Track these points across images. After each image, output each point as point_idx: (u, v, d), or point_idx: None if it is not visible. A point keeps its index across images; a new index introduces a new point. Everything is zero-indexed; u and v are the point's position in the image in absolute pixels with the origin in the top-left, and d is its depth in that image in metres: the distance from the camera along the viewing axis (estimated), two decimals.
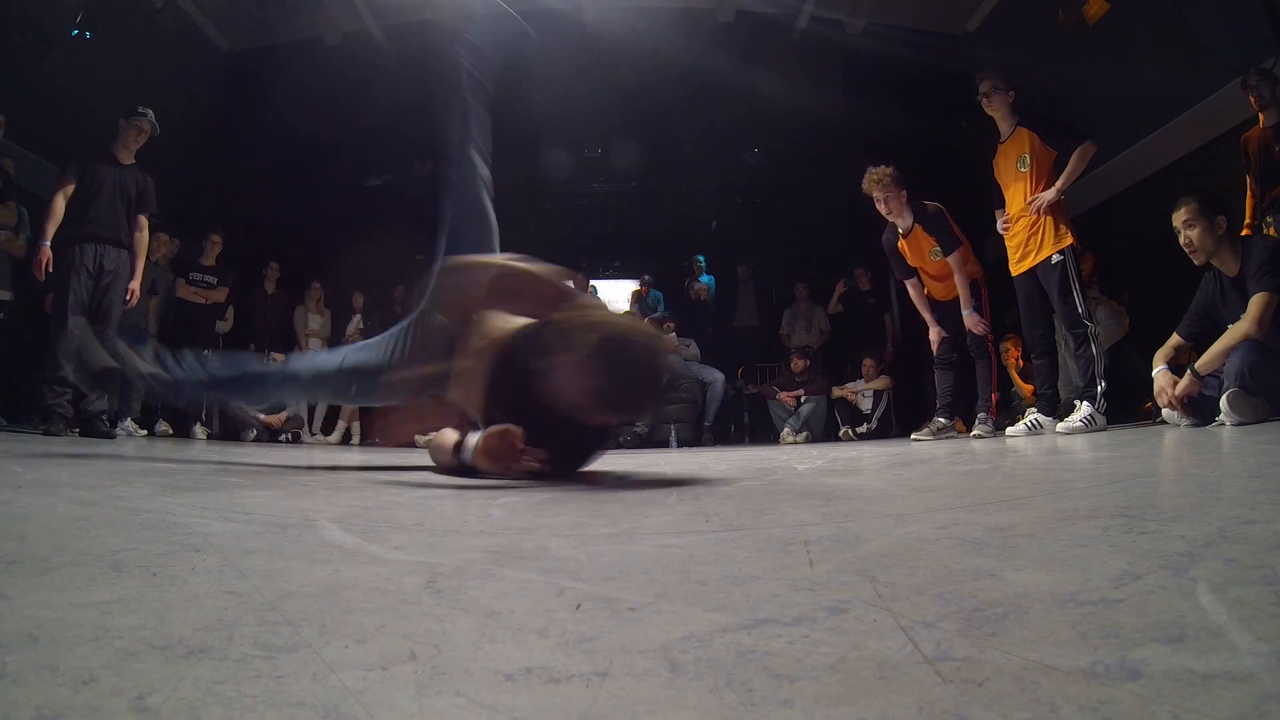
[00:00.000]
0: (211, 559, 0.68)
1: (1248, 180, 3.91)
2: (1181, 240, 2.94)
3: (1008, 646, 0.41)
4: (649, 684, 0.38)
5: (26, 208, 4.49)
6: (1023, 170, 3.65)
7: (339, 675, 0.39)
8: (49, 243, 3.71)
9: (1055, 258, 3.51)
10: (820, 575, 0.60)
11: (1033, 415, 3.65)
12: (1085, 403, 3.41)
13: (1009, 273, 3.83)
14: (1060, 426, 3.42)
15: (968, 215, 4.22)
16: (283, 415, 5.90)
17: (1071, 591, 0.51)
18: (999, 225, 3.83)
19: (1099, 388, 3.41)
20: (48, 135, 5.11)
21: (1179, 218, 2.93)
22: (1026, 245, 3.66)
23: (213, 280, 5.72)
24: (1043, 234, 3.57)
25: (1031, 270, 3.65)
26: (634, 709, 0.35)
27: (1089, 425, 3.32)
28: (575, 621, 0.49)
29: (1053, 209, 3.54)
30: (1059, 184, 3.52)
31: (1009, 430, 3.75)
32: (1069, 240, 3.51)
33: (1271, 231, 3.70)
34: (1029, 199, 3.59)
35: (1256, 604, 0.46)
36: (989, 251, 4.60)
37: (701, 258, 7.92)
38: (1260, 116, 3.90)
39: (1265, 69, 3.93)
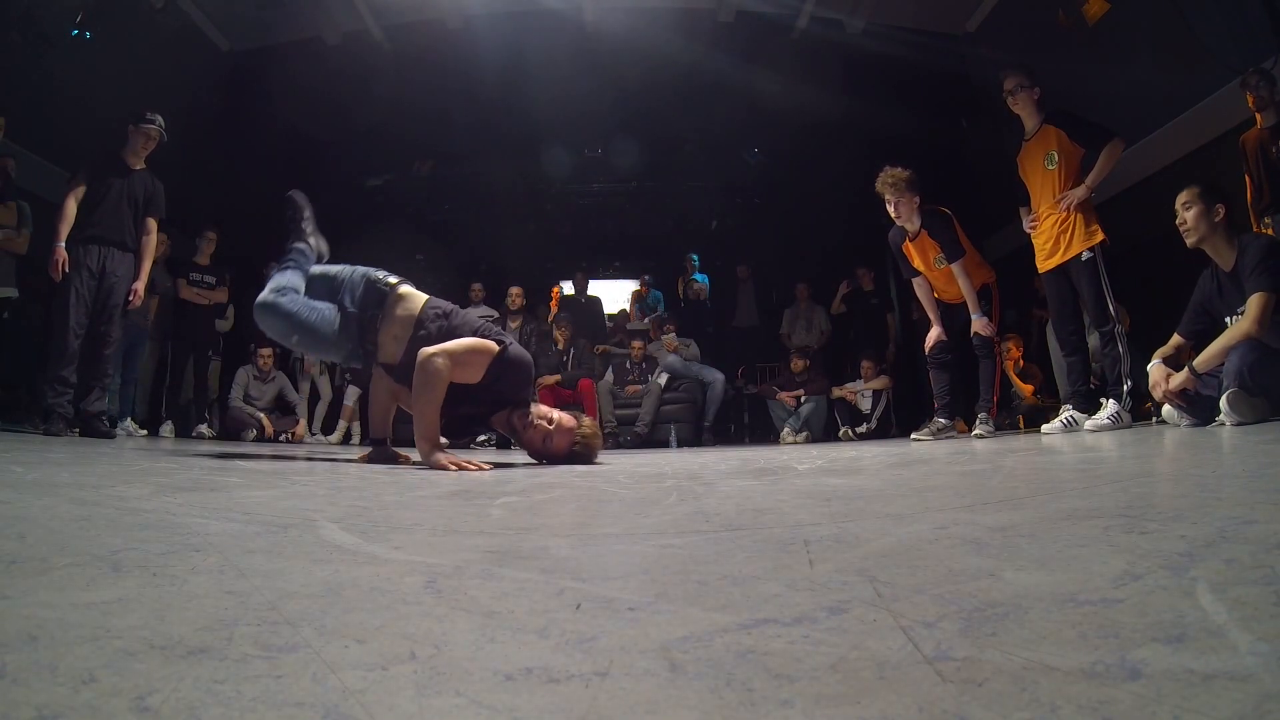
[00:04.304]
0: (211, 559, 0.68)
1: (1246, 181, 3.91)
2: (1178, 220, 3.00)
3: (1008, 646, 0.41)
4: (649, 684, 0.38)
5: (28, 203, 4.49)
6: (1050, 168, 3.62)
7: (339, 675, 0.39)
8: (63, 243, 3.74)
9: (1086, 254, 3.48)
10: (820, 575, 0.60)
11: (1068, 412, 3.59)
12: (1112, 400, 3.39)
13: (1012, 271, 3.77)
14: (1088, 424, 3.39)
15: (968, 215, 4.20)
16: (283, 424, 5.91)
17: (1071, 591, 0.51)
18: (1025, 224, 3.79)
19: (1125, 386, 3.39)
20: (48, 135, 5.11)
21: (1180, 199, 3.01)
22: (1056, 242, 3.61)
23: (212, 280, 5.72)
24: (1072, 231, 3.53)
25: (1061, 267, 3.61)
26: (634, 709, 0.35)
27: (1116, 423, 3.31)
28: (575, 621, 0.49)
29: (1082, 205, 3.51)
30: (1089, 181, 3.49)
31: (1044, 428, 3.70)
32: (1099, 237, 3.48)
33: (1270, 232, 3.69)
34: (1058, 196, 3.57)
35: (1256, 604, 0.46)
36: (990, 251, 4.58)
37: (695, 256, 7.91)
38: (1258, 117, 3.89)
39: (1264, 69, 3.92)
